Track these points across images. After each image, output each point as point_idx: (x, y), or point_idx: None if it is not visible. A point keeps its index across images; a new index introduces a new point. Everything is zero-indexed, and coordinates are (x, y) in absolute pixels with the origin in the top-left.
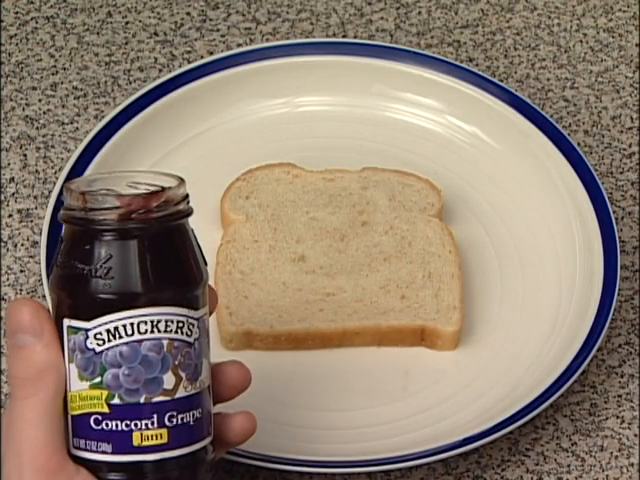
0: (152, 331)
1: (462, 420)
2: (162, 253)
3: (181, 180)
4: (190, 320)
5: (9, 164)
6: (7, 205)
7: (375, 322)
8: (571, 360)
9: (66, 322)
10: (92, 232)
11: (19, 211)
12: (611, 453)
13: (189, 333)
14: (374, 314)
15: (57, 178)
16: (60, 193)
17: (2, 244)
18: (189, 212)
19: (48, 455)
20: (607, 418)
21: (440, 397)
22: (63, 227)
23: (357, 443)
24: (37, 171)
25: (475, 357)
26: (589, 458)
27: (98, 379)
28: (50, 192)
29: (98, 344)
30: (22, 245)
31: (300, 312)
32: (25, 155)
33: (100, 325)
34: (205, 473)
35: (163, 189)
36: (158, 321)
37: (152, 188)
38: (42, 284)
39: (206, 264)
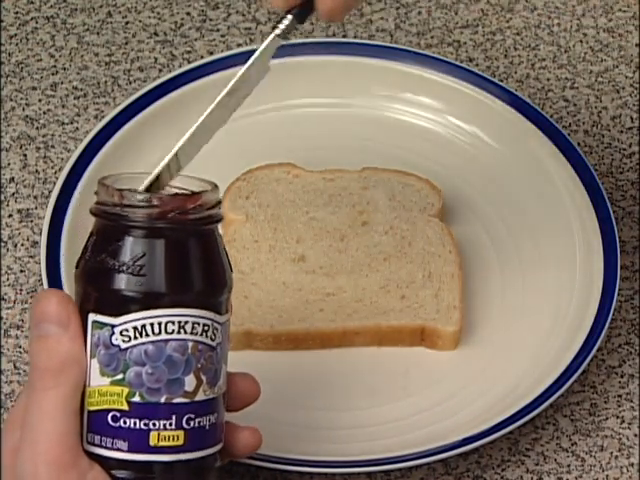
0: (179, 332)
1: (462, 420)
2: (194, 255)
3: (215, 185)
4: (215, 324)
5: (9, 164)
6: (7, 205)
7: (375, 322)
8: (571, 360)
9: (91, 317)
10: (126, 229)
11: (19, 211)
12: (611, 453)
13: (213, 337)
14: (374, 314)
15: (57, 178)
16: (60, 193)
17: (2, 244)
18: (221, 217)
19: (63, 449)
20: (607, 418)
21: (440, 397)
22: (93, 221)
23: (357, 443)
24: (37, 171)
25: (475, 357)
26: (589, 458)
27: (120, 376)
28: (50, 192)
29: (124, 341)
30: (22, 245)
31: (300, 312)
32: (25, 155)
33: (127, 322)
34: (215, 478)
35: (200, 192)
36: (185, 322)
37: (182, 190)
38: (42, 284)
39: (232, 270)
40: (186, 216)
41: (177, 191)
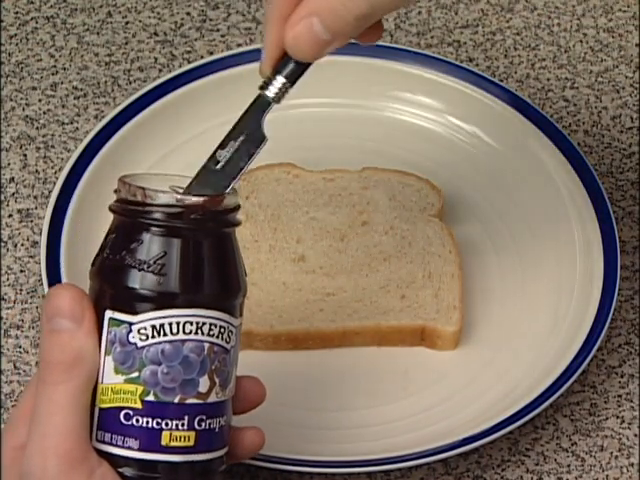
0: (196, 332)
1: (462, 420)
2: (215, 257)
3: (234, 189)
4: (230, 327)
5: (9, 164)
6: (7, 205)
7: (375, 322)
8: (571, 360)
9: (108, 314)
10: (149, 228)
11: (19, 211)
12: (611, 453)
13: (228, 340)
14: (374, 314)
15: (57, 178)
16: (60, 193)
17: (2, 244)
18: (241, 220)
19: (73, 443)
20: (607, 418)
21: (440, 397)
22: (112, 218)
23: (357, 443)
24: (37, 171)
25: (475, 357)
26: (589, 458)
27: (135, 374)
28: (50, 192)
29: (141, 339)
30: (22, 245)
31: (300, 312)
32: (25, 155)
33: (146, 320)
34: None
35: (222, 194)
36: (203, 323)
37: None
38: (42, 284)
39: (246, 274)
40: (209, 217)
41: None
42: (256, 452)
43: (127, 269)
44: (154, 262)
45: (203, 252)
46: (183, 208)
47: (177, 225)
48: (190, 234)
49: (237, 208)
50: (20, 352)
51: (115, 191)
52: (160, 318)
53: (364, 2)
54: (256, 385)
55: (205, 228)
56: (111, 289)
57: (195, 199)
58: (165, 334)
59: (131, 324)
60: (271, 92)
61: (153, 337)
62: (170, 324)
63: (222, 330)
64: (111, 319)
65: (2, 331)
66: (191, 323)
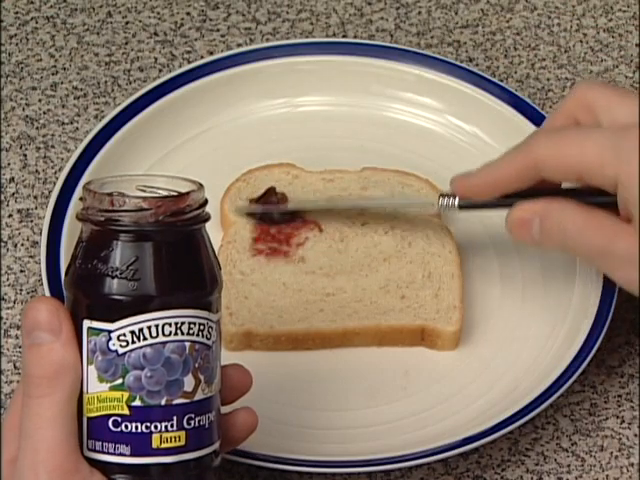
0: (176, 333)
1: (462, 420)
2: (187, 255)
3: (200, 184)
4: (210, 323)
5: (9, 164)
6: (7, 205)
7: (375, 322)
8: (571, 360)
9: (86, 323)
10: (119, 234)
11: (19, 211)
12: (611, 453)
13: (208, 336)
14: (374, 314)
15: (57, 178)
16: (60, 193)
17: (2, 244)
18: (209, 216)
19: (64, 455)
20: (607, 418)
21: (440, 397)
22: (81, 227)
23: (357, 443)
24: (37, 171)
25: (475, 357)
26: (589, 458)
27: (119, 381)
28: (50, 192)
29: (121, 346)
30: (22, 245)
31: (300, 312)
32: (25, 155)
33: (124, 327)
34: (213, 477)
35: (189, 192)
36: (182, 323)
37: (165, 192)
38: (42, 284)
39: (220, 268)
40: (177, 217)
41: (165, 193)
42: (250, 433)
43: (100, 277)
44: (127, 268)
45: (175, 253)
46: (152, 211)
47: (146, 229)
48: (160, 236)
49: (205, 203)
50: (20, 352)
51: (81, 199)
52: (138, 323)
53: (577, 242)
54: (242, 373)
55: (175, 228)
56: (86, 298)
57: (162, 200)
58: (145, 338)
59: (110, 332)
60: (447, 204)
61: (133, 343)
62: (149, 328)
63: (202, 327)
64: (89, 328)
65: (2, 331)
66: (170, 324)
